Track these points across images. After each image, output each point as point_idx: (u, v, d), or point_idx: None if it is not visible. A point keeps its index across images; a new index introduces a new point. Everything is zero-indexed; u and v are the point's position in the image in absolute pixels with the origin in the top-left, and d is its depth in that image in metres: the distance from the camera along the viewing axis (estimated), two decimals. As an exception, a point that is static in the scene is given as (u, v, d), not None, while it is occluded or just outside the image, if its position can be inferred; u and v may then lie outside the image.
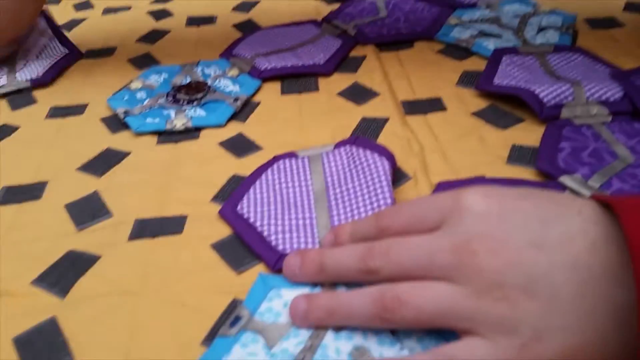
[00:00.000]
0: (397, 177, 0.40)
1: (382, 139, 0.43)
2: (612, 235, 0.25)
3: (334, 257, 0.31)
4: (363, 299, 0.29)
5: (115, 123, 0.49)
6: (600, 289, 0.25)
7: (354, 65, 0.54)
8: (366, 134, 0.44)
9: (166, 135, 0.47)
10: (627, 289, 0.24)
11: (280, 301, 0.31)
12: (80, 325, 0.32)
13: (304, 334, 0.29)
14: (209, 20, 0.67)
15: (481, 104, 0.47)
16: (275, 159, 0.42)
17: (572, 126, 0.42)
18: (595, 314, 0.25)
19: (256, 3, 0.71)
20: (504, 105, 0.46)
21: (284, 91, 0.52)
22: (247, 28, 0.64)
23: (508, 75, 0.48)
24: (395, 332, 0.29)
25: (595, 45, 0.53)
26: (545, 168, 0.38)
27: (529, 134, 0.43)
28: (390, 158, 0.39)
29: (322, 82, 0.52)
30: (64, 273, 0.35)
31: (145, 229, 0.38)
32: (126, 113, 0.49)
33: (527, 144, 0.41)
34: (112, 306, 0.33)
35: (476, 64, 0.53)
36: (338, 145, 0.42)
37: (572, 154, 0.39)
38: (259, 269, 0.34)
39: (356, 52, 0.57)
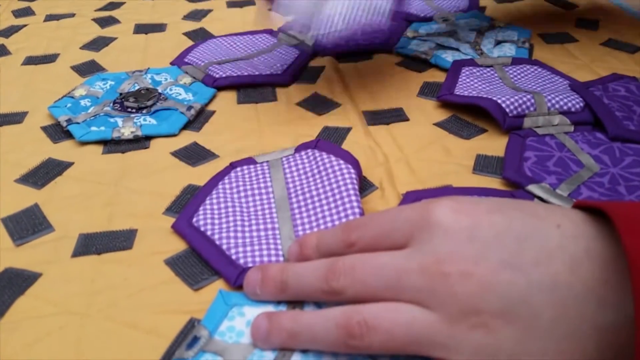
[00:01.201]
0: (363, 186, 0.38)
1: (346, 148, 0.42)
2: (594, 250, 0.24)
3: (296, 275, 0.29)
4: (326, 323, 0.26)
5: (57, 132, 0.46)
6: (582, 310, 0.23)
7: (312, 75, 0.53)
8: (329, 143, 0.42)
9: (113, 145, 0.44)
10: (610, 309, 0.23)
11: (242, 320, 0.29)
12: (18, 349, 0.28)
13: (269, 355, 0.27)
14: (158, 27, 0.65)
15: (443, 114, 0.46)
16: (232, 166, 0.39)
17: (535, 136, 0.42)
18: (576, 336, 0.23)
19: (208, 11, 0.69)
20: (465, 115, 0.45)
21: (240, 100, 0.49)
22: (199, 36, 0.62)
23: (468, 87, 0.48)
24: (368, 350, 0.27)
25: (551, 58, 0.54)
26: (512, 177, 0.37)
27: (493, 143, 0.42)
28: (355, 165, 0.37)
29: (280, 92, 0.50)
30: (0, 292, 0.31)
31: (91, 244, 0.35)
32: (69, 121, 0.45)
33: (492, 154, 0.41)
34: (54, 329, 0.29)
35: (436, 76, 0.52)
36: (299, 149, 0.40)
37: (537, 163, 0.39)
38: (218, 285, 0.31)
39: (314, 63, 0.55)
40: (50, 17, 0.69)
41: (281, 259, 0.32)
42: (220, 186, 0.37)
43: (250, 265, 0.31)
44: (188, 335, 0.28)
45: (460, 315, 0.24)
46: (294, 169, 0.38)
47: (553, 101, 0.43)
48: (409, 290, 0.25)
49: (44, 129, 0.47)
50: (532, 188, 0.36)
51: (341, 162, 0.37)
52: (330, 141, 0.43)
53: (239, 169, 0.39)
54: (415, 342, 0.25)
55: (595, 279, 0.23)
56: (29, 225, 0.37)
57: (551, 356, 0.23)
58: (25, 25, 0.67)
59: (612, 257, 0.23)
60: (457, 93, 0.47)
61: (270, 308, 0.29)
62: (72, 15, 0.70)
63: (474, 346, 0.24)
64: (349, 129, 0.44)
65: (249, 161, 0.40)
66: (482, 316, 0.24)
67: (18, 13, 0.71)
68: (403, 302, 0.25)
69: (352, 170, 0.36)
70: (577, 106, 0.43)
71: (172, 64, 0.55)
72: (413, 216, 0.27)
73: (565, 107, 0.43)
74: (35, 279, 0.32)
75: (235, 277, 0.31)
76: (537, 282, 0.24)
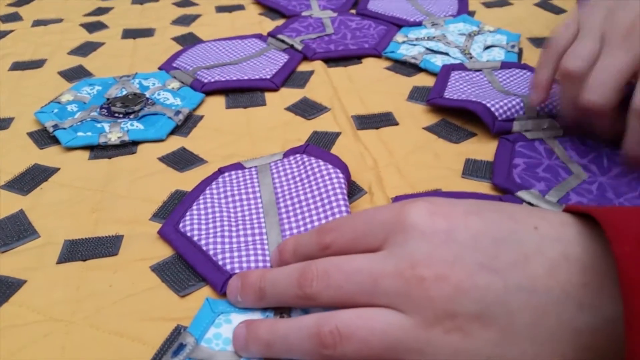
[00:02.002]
0: (352, 191, 0.38)
1: (335, 153, 0.41)
2: (573, 253, 0.24)
3: (272, 281, 0.29)
4: (300, 333, 0.26)
5: (44, 137, 0.45)
6: (560, 313, 0.23)
7: (301, 80, 0.53)
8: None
9: (99, 150, 0.43)
10: (589, 312, 0.23)
11: (229, 327, 0.29)
12: (2, 358, 0.28)
13: (258, 362, 0.27)
14: (147, 32, 0.64)
15: (433, 118, 0.46)
16: (220, 171, 0.39)
17: (524, 141, 0.42)
18: (554, 339, 0.23)
19: (197, 16, 0.68)
20: (455, 119, 0.45)
21: (228, 105, 0.49)
22: (188, 41, 0.62)
23: (458, 90, 0.48)
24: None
25: (540, 63, 0.54)
26: (502, 183, 0.37)
27: (482, 147, 0.42)
28: (344, 169, 0.37)
29: (269, 96, 0.50)
30: (-18, 300, 0.31)
31: (76, 250, 0.34)
32: (55, 127, 0.45)
33: (481, 158, 0.41)
34: (39, 336, 0.29)
35: (425, 80, 0.52)
36: (287, 154, 0.40)
37: (527, 169, 0.39)
38: (205, 292, 0.31)
39: (303, 67, 0.55)
40: (37, 23, 0.69)
41: (268, 264, 0.32)
42: (207, 191, 0.37)
43: (237, 271, 0.31)
44: (174, 342, 0.28)
45: (436, 319, 0.24)
46: (282, 173, 0.38)
47: (542, 104, 0.43)
48: (384, 295, 0.25)
49: (30, 134, 0.46)
50: (522, 194, 0.36)
51: (329, 166, 0.37)
52: (320, 146, 0.42)
53: (227, 174, 0.39)
54: (390, 349, 0.24)
55: (574, 283, 0.23)
56: (13, 231, 0.36)
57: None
58: (12, 31, 0.67)
59: (591, 260, 0.23)
60: (447, 97, 0.47)
61: (257, 315, 0.29)
62: (60, 20, 0.69)
63: (450, 351, 0.23)
64: (338, 134, 0.44)
65: (237, 166, 0.39)
66: (458, 320, 0.23)
67: (5, 18, 0.71)
68: (378, 307, 0.25)
69: (341, 175, 0.36)
70: (566, 110, 0.43)
71: (160, 68, 0.55)
72: (388, 218, 0.27)
73: (554, 110, 0.43)
74: (19, 286, 0.32)
75: (222, 283, 0.31)
76: (515, 285, 0.23)
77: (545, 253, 0.24)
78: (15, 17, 0.71)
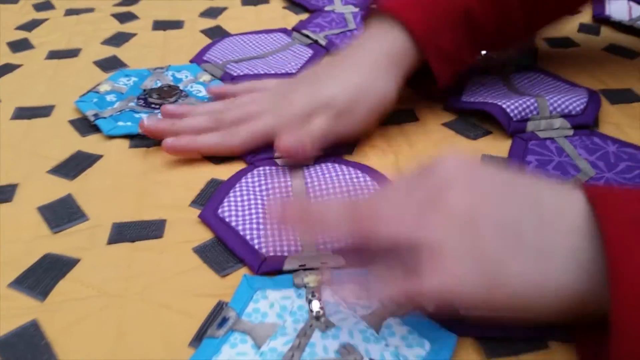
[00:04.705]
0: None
1: (357, 149, 0.45)
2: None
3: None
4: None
5: (84, 125, 0.48)
6: (567, 237, 0.27)
7: (325, 75, 0.55)
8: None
9: (139, 139, 0.46)
10: (592, 244, 0.26)
11: (266, 302, 0.32)
12: (63, 328, 0.31)
13: (292, 333, 0.30)
14: (176, 24, 0.67)
15: (451, 116, 0.49)
16: (255, 165, 0.42)
17: (537, 140, 0.44)
18: (554, 259, 0.26)
19: (224, 9, 0.71)
20: (472, 117, 0.48)
21: (257, 98, 0.52)
22: (215, 34, 0.64)
23: (475, 93, 0.50)
24: (380, 330, 0.30)
25: (555, 63, 0.56)
26: (515, 178, 0.40)
27: (498, 144, 0.45)
28: (380, 178, 0.40)
29: (295, 90, 0.53)
30: (42, 276, 0.34)
31: (124, 232, 0.37)
32: (96, 116, 0.48)
33: (497, 154, 0.43)
34: (95, 309, 0.32)
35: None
36: (319, 162, 0.43)
37: (538, 166, 0.41)
38: (242, 272, 0.34)
39: (327, 62, 0.57)
40: (70, 12, 0.72)
41: (300, 248, 0.35)
42: (243, 181, 0.40)
43: (271, 254, 0.34)
44: (218, 316, 0.31)
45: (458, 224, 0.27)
46: (312, 170, 0.41)
47: (555, 104, 0.46)
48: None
49: (72, 122, 0.49)
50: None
51: (358, 171, 0.40)
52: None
53: (261, 168, 0.42)
54: None
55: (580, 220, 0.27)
56: (64, 214, 0.39)
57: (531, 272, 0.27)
58: (46, 19, 0.70)
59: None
60: (464, 99, 0.49)
61: (291, 292, 0.32)
62: (92, 10, 0.72)
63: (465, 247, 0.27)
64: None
65: (271, 162, 0.42)
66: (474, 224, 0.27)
67: (38, 7, 0.74)
68: None
69: (368, 178, 0.39)
70: (578, 109, 0.46)
71: (191, 61, 0.58)
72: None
73: (566, 110, 0.46)
74: (74, 264, 0.35)
75: (258, 265, 0.34)
76: (527, 214, 0.28)
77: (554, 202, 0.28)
78: (47, 6, 0.74)
